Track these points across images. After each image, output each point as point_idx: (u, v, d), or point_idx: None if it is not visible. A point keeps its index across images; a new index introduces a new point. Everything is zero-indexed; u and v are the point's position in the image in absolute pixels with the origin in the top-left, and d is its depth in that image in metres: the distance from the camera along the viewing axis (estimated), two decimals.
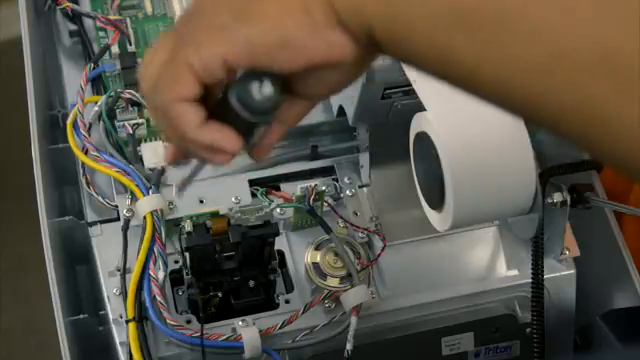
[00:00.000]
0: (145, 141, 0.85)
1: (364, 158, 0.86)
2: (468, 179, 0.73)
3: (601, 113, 0.44)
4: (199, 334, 0.75)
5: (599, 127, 0.44)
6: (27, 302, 1.53)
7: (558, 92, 0.44)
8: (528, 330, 0.82)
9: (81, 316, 0.84)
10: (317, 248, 0.82)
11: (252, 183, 0.85)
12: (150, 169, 0.83)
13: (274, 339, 0.78)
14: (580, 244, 0.85)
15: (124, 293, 0.77)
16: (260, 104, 0.52)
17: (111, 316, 0.79)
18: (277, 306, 0.81)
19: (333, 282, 0.80)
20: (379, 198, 0.85)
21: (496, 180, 0.74)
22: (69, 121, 0.84)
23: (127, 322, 0.75)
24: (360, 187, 0.86)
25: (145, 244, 0.77)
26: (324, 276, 0.80)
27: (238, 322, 0.78)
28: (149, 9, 0.95)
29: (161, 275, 0.77)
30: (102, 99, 0.85)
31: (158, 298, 0.76)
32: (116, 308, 0.78)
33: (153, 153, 0.83)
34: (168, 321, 0.76)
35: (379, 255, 0.82)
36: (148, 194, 0.80)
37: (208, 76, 0.52)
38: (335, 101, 0.86)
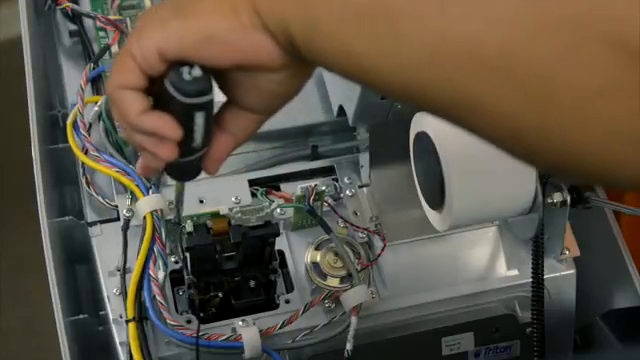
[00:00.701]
0: None
1: (364, 158, 0.86)
2: (468, 179, 0.73)
3: (473, 104, 0.48)
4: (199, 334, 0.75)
5: (473, 116, 0.49)
6: (27, 302, 1.53)
7: (436, 85, 0.49)
8: (528, 330, 0.82)
9: (81, 316, 0.84)
10: (317, 248, 0.82)
11: (252, 183, 0.85)
12: None
13: (274, 339, 0.78)
14: (580, 244, 0.85)
15: (124, 293, 0.77)
16: (189, 85, 0.54)
17: (111, 316, 0.79)
18: (277, 306, 0.81)
19: (333, 282, 0.80)
20: (379, 198, 0.85)
21: (496, 180, 0.74)
22: (69, 121, 0.84)
23: (127, 322, 0.75)
24: (360, 187, 0.86)
25: (145, 244, 0.77)
26: (324, 276, 0.80)
27: (238, 322, 0.78)
28: None
29: (161, 275, 0.77)
30: (102, 99, 0.85)
31: (158, 298, 0.76)
32: (116, 308, 0.78)
33: None
34: (168, 321, 0.76)
35: (379, 255, 0.82)
36: (148, 194, 0.80)
37: (147, 66, 0.55)
38: (335, 101, 0.86)
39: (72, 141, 0.84)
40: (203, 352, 0.75)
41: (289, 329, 0.78)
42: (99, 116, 0.85)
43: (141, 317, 0.75)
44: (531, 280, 0.80)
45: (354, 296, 0.78)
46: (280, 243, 0.82)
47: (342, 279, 0.80)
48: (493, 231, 0.86)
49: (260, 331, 0.77)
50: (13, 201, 1.42)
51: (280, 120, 0.87)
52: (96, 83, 0.89)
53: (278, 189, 0.85)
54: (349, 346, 0.77)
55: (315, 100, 0.89)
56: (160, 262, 0.77)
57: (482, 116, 0.48)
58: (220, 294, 0.80)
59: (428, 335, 0.83)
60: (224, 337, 0.76)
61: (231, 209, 0.78)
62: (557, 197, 0.79)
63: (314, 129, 0.89)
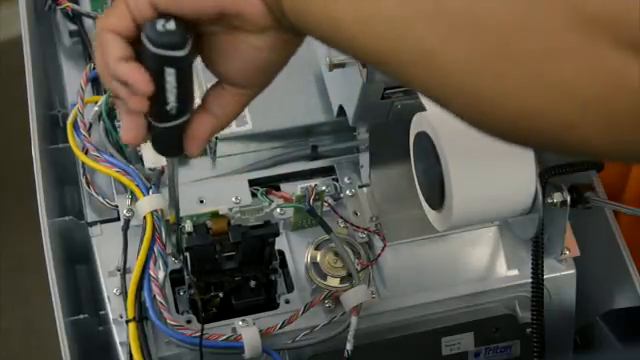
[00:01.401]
0: (145, 141, 0.85)
1: (364, 158, 0.86)
2: (468, 179, 0.73)
3: (434, 61, 0.50)
4: (199, 334, 0.75)
5: (435, 75, 0.51)
6: (27, 302, 1.54)
7: (404, 42, 0.50)
8: (528, 330, 0.82)
9: (81, 316, 0.84)
10: (317, 248, 0.82)
11: (252, 183, 0.85)
12: (150, 169, 0.83)
13: (274, 339, 0.78)
14: (580, 244, 0.85)
15: (124, 293, 0.77)
16: (160, 36, 0.55)
17: (111, 316, 0.79)
18: (277, 306, 0.81)
19: (333, 282, 0.80)
20: (379, 198, 0.85)
21: (496, 180, 0.74)
22: (69, 121, 0.84)
23: (127, 322, 0.75)
24: (360, 187, 0.86)
25: (145, 244, 0.77)
26: (324, 276, 0.80)
27: (238, 322, 0.78)
28: None
29: (161, 275, 0.77)
30: (102, 99, 0.85)
31: (158, 298, 0.76)
32: (116, 308, 0.78)
33: (153, 153, 0.82)
34: (168, 321, 0.76)
35: (379, 255, 0.82)
36: (148, 194, 0.80)
37: (137, 12, 0.55)
38: (335, 101, 0.86)
39: (72, 141, 0.84)
40: (203, 352, 0.75)
41: (289, 329, 0.78)
42: (99, 116, 0.85)
43: (141, 317, 0.75)
44: (531, 280, 0.80)
45: (354, 296, 0.78)
46: (280, 243, 0.82)
47: (342, 279, 0.80)
48: (493, 231, 0.86)
49: (260, 331, 0.77)
50: (13, 201, 1.42)
51: (280, 120, 0.88)
52: (96, 83, 0.89)
53: (278, 189, 0.85)
54: (349, 346, 0.77)
55: (315, 100, 0.89)
56: (160, 262, 0.77)
57: (442, 75, 0.50)
58: (220, 294, 0.80)
59: (428, 335, 0.83)
60: (224, 337, 0.76)
61: (231, 209, 0.78)
62: (557, 197, 0.79)
63: (314, 129, 0.89)
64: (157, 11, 0.55)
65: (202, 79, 0.87)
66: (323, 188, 0.82)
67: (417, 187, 0.79)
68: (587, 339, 0.90)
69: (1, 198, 1.62)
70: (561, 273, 0.85)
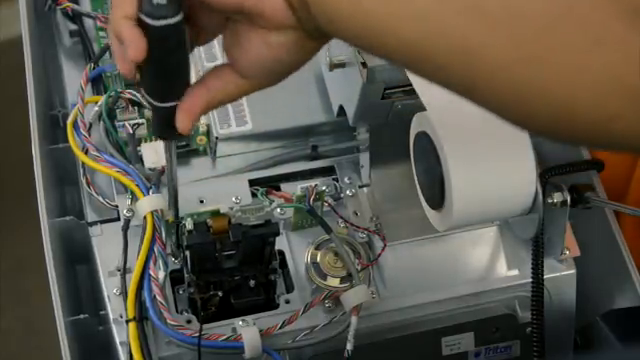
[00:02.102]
0: (145, 141, 0.85)
1: (364, 158, 0.86)
2: (468, 179, 0.73)
3: (473, 55, 0.49)
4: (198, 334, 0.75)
5: (471, 70, 0.50)
6: (27, 302, 1.54)
7: (440, 36, 0.50)
8: (528, 330, 0.82)
9: (81, 316, 0.84)
10: (317, 248, 0.82)
11: (252, 183, 0.85)
12: (150, 169, 0.83)
13: (274, 339, 0.78)
14: (580, 244, 0.85)
15: (124, 293, 0.77)
16: (153, 8, 0.56)
17: (111, 316, 0.79)
18: (277, 306, 0.81)
19: (333, 282, 0.80)
20: (379, 198, 0.85)
21: (496, 180, 0.74)
22: (69, 121, 0.84)
23: (127, 322, 0.75)
24: (360, 187, 0.86)
25: (145, 244, 0.77)
26: (324, 276, 0.80)
27: (238, 322, 0.78)
28: None
29: (161, 275, 0.77)
30: (102, 99, 0.85)
31: (158, 298, 0.76)
32: (116, 308, 0.78)
33: (153, 153, 0.83)
34: (168, 321, 0.76)
35: (379, 255, 0.82)
36: (148, 194, 0.80)
37: None
38: (335, 101, 0.86)
39: (72, 141, 0.84)
40: (204, 352, 0.75)
41: (289, 329, 0.78)
42: (99, 116, 0.85)
43: (141, 317, 0.75)
44: (531, 280, 0.80)
45: (354, 296, 0.78)
46: (280, 243, 0.82)
47: (342, 279, 0.80)
48: (493, 231, 0.86)
49: (260, 331, 0.77)
50: (13, 201, 1.42)
51: (280, 120, 0.88)
52: (96, 83, 0.89)
53: (278, 189, 0.85)
54: (349, 346, 0.77)
55: (315, 100, 0.89)
56: (160, 262, 0.77)
57: (484, 71, 0.49)
58: (220, 293, 0.80)
59: (428, 335, 0.83)
60: (224, 337, 0.76)
61: (231, 208, 0.78)
62: (557, 197, 0.79)
63: (314, 129, 0.89)
64: None
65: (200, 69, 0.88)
66: (323, 188, 0.82)
67: (417, 187, 0.79)
68: (587, 339, 0.90)
69: (1, 198, 1.62)
70: (561, 273, 0.85)
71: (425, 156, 0.75)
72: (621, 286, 0.88)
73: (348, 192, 0.86)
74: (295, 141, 0.89)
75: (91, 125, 0.85)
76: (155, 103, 0.60)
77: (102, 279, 0.81)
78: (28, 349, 1.53)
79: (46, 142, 0.88)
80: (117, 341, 0.78)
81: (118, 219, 0.82)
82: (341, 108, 0.85)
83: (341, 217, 0.84)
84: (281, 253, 0.82)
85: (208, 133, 0.87)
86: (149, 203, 0.78)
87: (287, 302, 0.81)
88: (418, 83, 0.74)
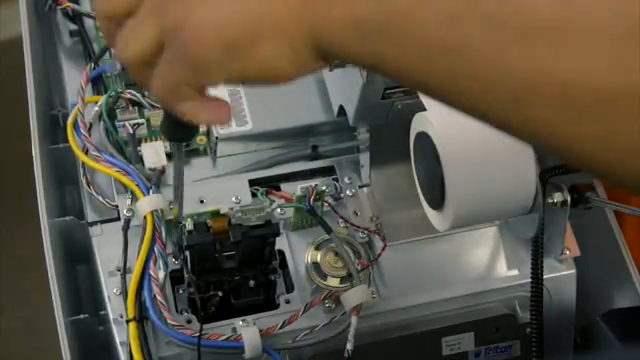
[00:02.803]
0: (145, 141, 0.85)
1: (364, 158, 0.86)
2: (468, 179, 0.73)
3: (563, 142, 0.46)
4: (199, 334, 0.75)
5: (563, 152, 0.48)
6: (27, 302, 1.53)
7: (528, 124, 0.47)
8: (528, 330, 0.82)
9: (81, 316, 0.84)
10: (317, 248, 0.82)
11: (252, 183, 0.85)
12: (150, 169, 0.83)
13: (274, 339, 0.78)
14: (580, 244, 0.85)
15: (124, 293, 0.77)
16: None
17: (111, 316, 0.79)
18: (277, 306, 0.81)
19: (333, 282, 0.80)
20: (379, 198, 0.85)
21: (496, 180, 0.74)
22: (69, 121, 0.84)
23: (127, 322, 0.75)
24: (360, 187, 0.86)
25: (145, 244, 0.77)
26: (324, 276, 0.80)
27: (238, 322, 0.78)
28: None
29: (161, 275, 0.77)
30: (102, 99, 0.85)
31: (158, 298, 0.76)
32: (116, 308, 0.78)
33: (153, 153, 0.83)
34: (168, 321, 0.76)
35: (379, 255, 0.82)
36: (148, 194, 0.80)
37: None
38: (335, 101, 0.86)
39: (72, 141, 0.84)
40: (204, 352, 0.75)
41: (289, 329, 0.78)
42: (99, 116, 0.85)
43: (141, 317, 0.76)
44: (530, 280, 0.80)
45: (354, 296, 0.78)
46: (280, 243, 0.82)
47: (342, 279, 0.80)
48: (493, 231, 0.86)
49: (260, 331, 0.77)
50: (13, 201, 1.42)
51: (280, 120, 0.88)
52: (96, 83, 0.89)
53: (278, 189, 0.85)
54: (349, 346, 0.77)
55: (315, 100, 0.89)
56: (160, 262, 0.77)
57: (575, 157, 0.47)
58: (220, 293, 0.80)
59: (428, 335, 0.83)
60: (224, 337, 0.76)
61: (232, 208, 0.78)
62: (557, 197, 0.79)
63: (314, 129, 0.89)
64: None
65: None
66: (323, 188, 0.82)
67: (417, 187, 0.79)
68: (587, 339, 0.90)
69: (1, 198, 1.62)
70: (561, 273, 0.85)
71: (425, 156, 0.75)
72: (621, 286, 0.88)
73: (348, 192, 0.86)
74: (295, 141, 0.89)
75: (91, 125, 0.85)
76: None
77: (102, 279, 0.81)
78: (28, 349, 1.53)
79: (46, 142, 0.88)
80: (117, 341, 0.78)
81: (118, 219, 0.82)
82: (341, 108, 0.85)
83: (341, 217, 0.84)
84: (281, 253, 0.82)
85: (208, 133, 0.87)
86: (149, 203, 0.78)
87: (287, 302, 0.81)
88: None
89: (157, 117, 0.86)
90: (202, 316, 0.77)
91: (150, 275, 0.76)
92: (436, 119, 0.73)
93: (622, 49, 0.44)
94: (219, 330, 0.78)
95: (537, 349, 0.80)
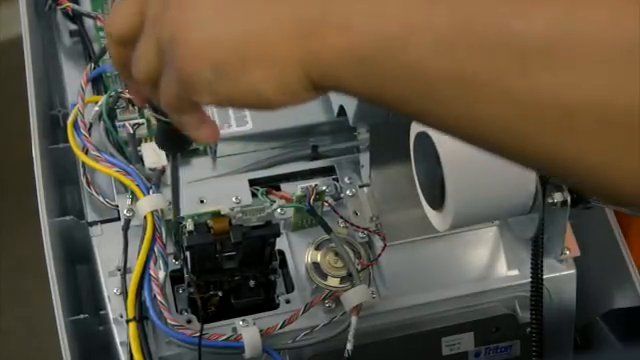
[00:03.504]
0: (146, 141, 0.85)
1: (364, 158, 0.86)
2: (468, 179, 0.73)
3: (564, 165, 0.46)
4: (199, 334, 0.75)
5: (564, 174, 0.47)
6: (27, 302, 1.53)
7: (527, 148, 0.47)
8: (528, 330, 0.82)
9: (81, 316, 0.84)
10: (317, 248, 0.82)
11: (252, 183, 0.85)
12: (151, 169, 0.83)
13: (274, 339, 0.78)
14: (580, 244, 0.85)
15: (124, 293, 0.77)
16: None
17: (111, 316, 0.79)
18: (277, 306, 0.81)
19: (333, 282, 0.80)
20: (379, 198, 0.85)
21: (496, 180, 0.74)
22: (69, 121, 0.84)
23: (127, 322, 0.75)
24: (360, 187, 0.86)
25: (146, 244, 0.77)
26: (324, 276, 0.80)
27: (238, 322, 0.78)
28: None
29: (161, 275, 0.77)
30: (103, 99, 0.85)
31: (159, 298, 0.76)
32: (116, 308, 0.78)
33: (154, 153, 0.83)
34: (169, 321, 0.76)
35: (379, 255, 0.82)
36: (148, 194, 0.80)
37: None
38: (335, 101, 0.86)
39: (72, 141, 0.84)
40: (204, 352, 0.75)
41: (289, 329, 0.78)
42: (99, 116, 0.85)
43: (141, 317, 0.76)
44: (530, 280, 0.80)
45: (354, 296, 0.78)
46: (280, 243, 0.82)
47: (342, 279, 0.80)
48: (493, 231, 0.86)
49: (260, 331, 0.77)
50: (13, 201, 1.42)
51: (280, 120, 0.88)
52: (96, 83, 0.89)
53: (278, 189, 0.85)
54: (349, 346, 0.77)
55: (315, 100, 0.89)
56: (161, 262, 0.77)
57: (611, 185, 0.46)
58: (220, 293, 0.80)
59: (428, 335, 0.83)
60: (224, 337, 0.76)
61: (232, 209, 0.78)
62: (557, 197, 0.78)
63: (314, 129, 0.89)
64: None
65: None
66: (323, 188, 0.82)
67: (417, 187, 0.79)
68: (587, 339, 0.90)
69: (1, 198, 1.62)
70: (561, 273, 0.85)
71: (425, 156, 0.75)
72: (621, 286, 0.88)
73: (348, 192, 0.86)
74: (295, 141, 0.89)
75: (91, 125, 0.85)
76: (160, 118, 0.59)
77: (102, 279, 0.81)
78: (28, 349, 1.53)
79: (46, 142, 0.88)
80: (117, 341, 0.78)
81: (118, 219, 0.82)
82: (341, 108, 0.85)
83: (341, 217, 0.84)
84: (281, 253, 0.82)
85: None
86: (149, 203, 0.79)
87: (287, 302, 0.81)
88: None
89: None
90: (202, 316, 0.77)
91: (150, 275, 0.76)
92: None
93: (621, 70, 0.43)
94: (219, 330, 0.78)
95: (537, 349, 0.80)
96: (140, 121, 0.86)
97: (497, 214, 0.79)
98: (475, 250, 0.85)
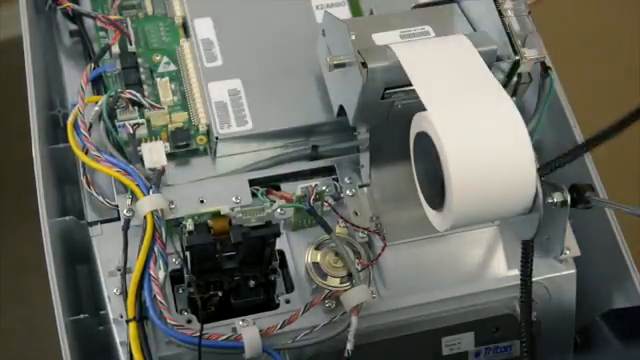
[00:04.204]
0: (145, 141, 0.85)
1: (364, 158, 0.86)
2: (468, 179, 0.73)
3: None
4: (199, 334, 0.75)
5: None
6: (27, 302, 1.53)
7: None
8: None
9: (81, 316, 0.84)
10: (317, 248, 0.82)
11: (252, 183, 0.85)
12: (150, 169, 0.83)
13: (274, 339, 0.78)
14: (580, 244, 0.85)
15: (124, 293, 0.77)
16: None
17: (111, 316, 0.79)
18: (277, 306, 0.81)
19: (333, 282, 0.80)
20: (379, 198, 0.85)
21: (496, 180, 0.74)
22: (69, 121, 0.84)
23: (127, 322, 0.75)
24: (360, 187, 0.86)
25: (145, 244, 0.77)
26: (324, 276, 0.81)
27: (238, 322, 0.78)
28: (149, 9, 0.95)
29: (161, 275, 0.77)
30: (103, 99, 0.85)
31: (159, 298, 0.76)
32: (116, 308, 0.78)
33: (153, 153, 0.83)
34: (169, 321, 0.76)
35: (379, 255, 0.82)
36: (148, 194, 0.80)
37: None
38: (335, 101, 0.86)
39: (72, 141, 0.84)
40: (204, 352, 0.75)
41: (289, 329, 0.78)
42: (99, 116, 0.85)
43: (141, 317, 0.76)
44: (520, 282, 0.80)
45: (354, 296, 0.78)
46: (280, 243, 0.82)
47: (342, 279, 0.80)
48: (493, 231, 0.86)
49: (260, 331, 0.77)
50: (13, 201, 1.42)
51: (280, 120, 0.88)
52: (96, 83, 0.89)
53: (278, 189, 0.85)
54: (349, 346, 0.77)
55: (315, 100, 0.89)
56: (160, 262, 0.77)
57: None
58: (220, 293, 0.80)
59: (428, 335, 0.83)
60: (224, 337, 0.76)
61: (232, 209, 0.78)
62: (557, 197, 0.78)
63: (314, 129, 0.89)
64: None
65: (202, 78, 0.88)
66: (323, 188, 0.82)
67: (417, 187, 0.79)
68: (587, 339, 0.90)
69: (1, 198, 1.62)
70: (561, 273, 0.86)
71: (425, 156, 0.75)
72: (621, 286, 0.88)
73: (348, 192, 0.86)
74: (295, 141, 0.89)
75: (91, 125, 0.85)
76: None
77: (102, 279, 0.81)
78: (28, 349, 1.53)
79: (46, 142, 0.88)
80: (117, 341, 0.78)
81: (118, 219, 0.82)
82: (341, 108, 0.85)
83: (341, 217, 0.84)
84: (281, 253, 0.82)
85: (208, 133, 0.87)
86: (149, 203, 0.79)
87: (287, 302, 0.81)
88: (418, 83, 0.74)
89: (157, 117, 0.86)
90: (202, 316, 0.77)
91: (150, 275, 0.76)
92: (436, 119, 0.73)
93: None
94: (219, 330, 0.78)
95: (529, 349, 0.79)
96: (140, 121, 0.86)
97: (497, 214, 0.79)
98: (475, 250, 0.85)
